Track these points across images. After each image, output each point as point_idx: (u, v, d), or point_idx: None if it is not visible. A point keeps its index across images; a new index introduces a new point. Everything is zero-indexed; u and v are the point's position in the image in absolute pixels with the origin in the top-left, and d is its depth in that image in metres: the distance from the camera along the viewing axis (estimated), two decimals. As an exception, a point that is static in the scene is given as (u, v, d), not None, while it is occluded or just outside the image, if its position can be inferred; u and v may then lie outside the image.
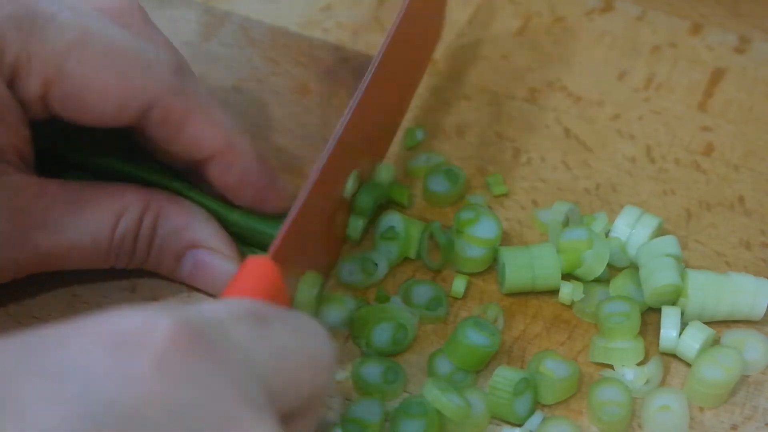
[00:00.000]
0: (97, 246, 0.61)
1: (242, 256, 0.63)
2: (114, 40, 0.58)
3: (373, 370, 0.62)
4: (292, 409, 0.46)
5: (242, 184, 0.62)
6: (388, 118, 0.69)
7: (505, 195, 0.69)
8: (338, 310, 0.63)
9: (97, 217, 0.60)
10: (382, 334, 0.63)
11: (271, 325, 0.46)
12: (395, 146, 0.71)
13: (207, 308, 0.46)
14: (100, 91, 0.58)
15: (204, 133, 0.60)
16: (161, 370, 0.42)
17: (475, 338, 0.62)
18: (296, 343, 0.46)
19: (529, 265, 0.64)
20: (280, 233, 0.55)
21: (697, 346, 0.62)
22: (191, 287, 0.64)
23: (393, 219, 0.66)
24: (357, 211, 0.65)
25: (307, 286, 0.59)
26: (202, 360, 0.42)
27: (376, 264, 0.66)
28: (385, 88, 0.65)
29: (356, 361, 0.62)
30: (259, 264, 0.52)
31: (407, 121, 0.72)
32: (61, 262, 0.61)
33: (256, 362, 0.44)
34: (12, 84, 0.58)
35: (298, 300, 0.57)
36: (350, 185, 0.63)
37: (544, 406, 0.62)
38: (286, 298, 0.52)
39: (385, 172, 0.67)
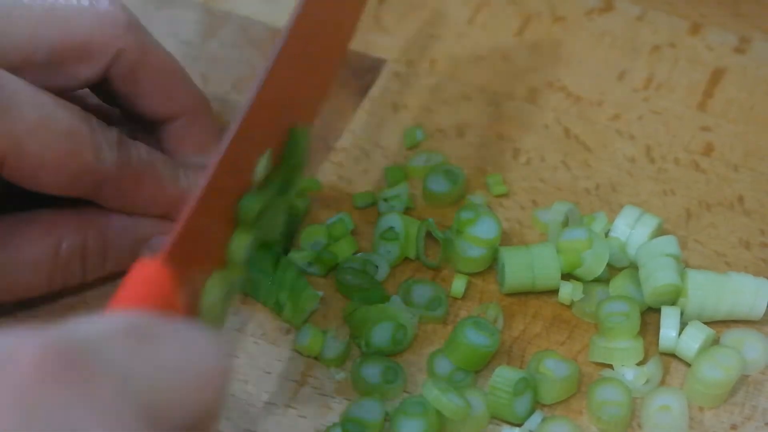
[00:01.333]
0: (39, 278, 0.62)
1: None
2: (68, 122, 0.59)
3: (372, 370, 0.62)
4: (180, 428, 0.44)
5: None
6: (308, 92, 0.63)
7: (505, 195, 0.69)
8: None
9: (34, 252, 0.61)
10: (381, 334, 0.63)
11: (153, 342, 0.43)
12: (395, 146, 0.71)
13: (81, 328, 0.43)
14: (54, 169, 0.59)
15: (155, 199, 0.62)
16: (22, 402, 0.39)
17: (475, 338, 0.62)
18: (180, 359, 0.44)
19: (528, 265, 0.64)
20: (172, 233, 0.51)
21: (696, 345, 0.62)
22: None
23: (392, 219, 0.66)
24: (242, 220, 0.56)
25: (214, 288, 0.54)
26: (70, 388, 0.40)
27: (377, 266, 0.66)
28: (300, 61, 0.60)
29: (356, 361, 0.62)
30: (148, 269, 0.48)
31: (407, 120, 0.72)
32: (3, 297, 0.62)
33: (133, 383, 0.41)
34: None
35: (204, 303, 0.53)
36: (261, 167, 0.57)
37: (543, 405, 0.62)
38: (179, 304, 0.49)
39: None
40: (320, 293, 0.65)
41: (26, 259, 0.61)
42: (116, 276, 0.64)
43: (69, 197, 0.61)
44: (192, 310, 0.52)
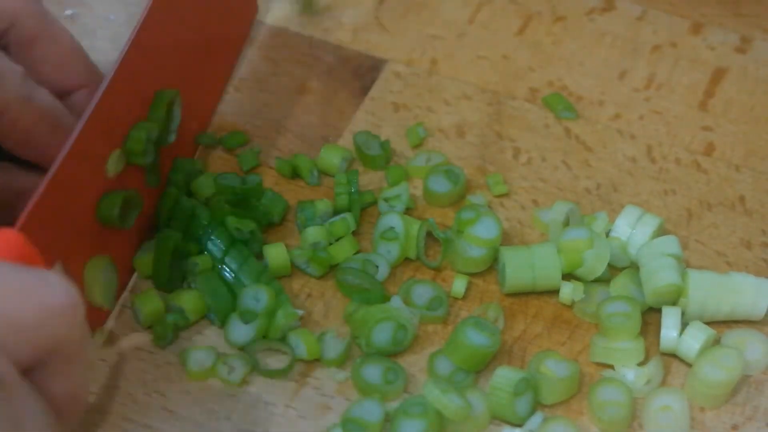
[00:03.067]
0: None
1: None
2: None
3: (373, 371, 0.62)
4: (33, 359, 0.48)
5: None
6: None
7: (506, 195, 0.69)
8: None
9: None
10: (382, 334, 0.63)
11: None
12: (398, 145, 0.71)
13: None
14: None
15: (49, 143, 0.62)
16: None
17: (476, 338, 0.62)
18: (27, 294, 0.48)
19: (529, 265, 0.64)
20: (27, 206, 0.56)
21: (697, 346, 0.62)
22: None
23: (393, 219, 0.66)
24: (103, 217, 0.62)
25: (95, 270, 0.60)
26: None
27: (377, 266, 0.66)
28: (156, 61, 0.64)
29: (356, 362, 0.62)
30: (4, 235, 0.53)
31: (407, 120, 0.72)
32: None
33: None
34: None
35: (87, 283, 0.60)
36: (112, 165, 0.62)
37: (544, 406, 0.62)
38: (39, 266, 0.53)
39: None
40: (300, 312, 0.64)
41: None
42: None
43: None
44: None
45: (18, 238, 0.53)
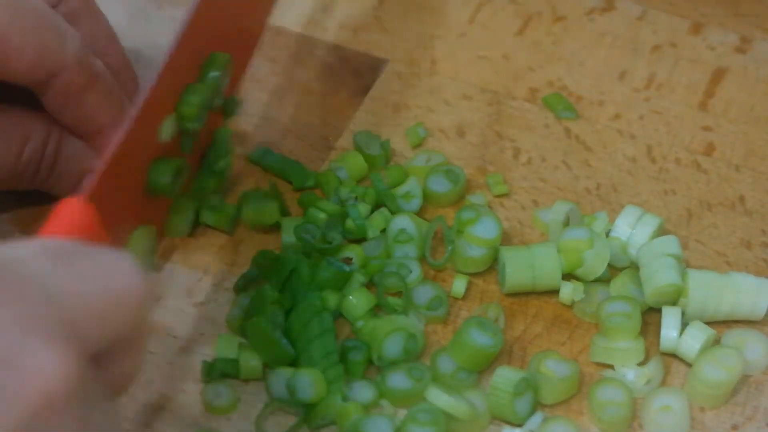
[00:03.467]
0: (3, 171, 0.63)
1: None
2: (38, 7, 0.62)
3: (398, 377, 0.61)
4: (102, 348, 0.46)
5: None
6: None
7: (506, 195, 0.69)
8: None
9: (3, 145, 0.63)
10: (393, 346, 0.62)
11: (75, 261, 0.45)
12: (398, 145, 0.71)
13: (6, 247, 0.45)
14: (18, 47, 0.61)
15: (100, 109, 0.63)
16: None
17: (480, 339, 0.62)
18: (102, 278, 0.46)
19: (529, 265, 0.64)
20: (94, 173, 0.55)
21: (697, 346, 0.62)
22: None
23: (403, 221, 0.66)
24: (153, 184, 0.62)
25: (139, 240, 0.59)
26: None
27: (411, 270, 0.65)
28: (211, 28, 0.64)
29: (378, 378, 0.61)
30: (72, 205, 0.51)
31: (407, 120, 0.72)
32: None
33: (55, 295, 0.44)
34: None
35: (131, 253, 0.56)
36: (165, 130, 0.61)
37: (544, 406, 0.62)
38: (105, 240, 0.52)
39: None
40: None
41: None
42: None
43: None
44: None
45: (84, 209, 0.51)
